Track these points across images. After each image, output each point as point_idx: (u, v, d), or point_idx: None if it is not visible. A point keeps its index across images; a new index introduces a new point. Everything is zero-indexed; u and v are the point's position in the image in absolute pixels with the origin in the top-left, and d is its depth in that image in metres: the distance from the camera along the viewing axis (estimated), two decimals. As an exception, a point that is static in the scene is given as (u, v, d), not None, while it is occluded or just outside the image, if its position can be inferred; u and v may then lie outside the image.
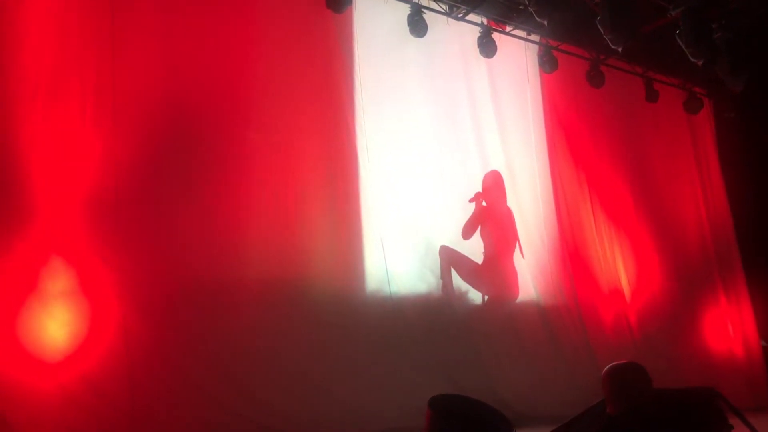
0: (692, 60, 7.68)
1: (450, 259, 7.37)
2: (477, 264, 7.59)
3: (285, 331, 6.01)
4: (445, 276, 7.29)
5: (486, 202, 7.76)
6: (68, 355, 5.04)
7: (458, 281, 7.42)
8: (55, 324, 5.05)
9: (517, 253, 7.89)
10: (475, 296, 7.58)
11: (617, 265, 8.91)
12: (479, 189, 7.80)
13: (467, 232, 7.60)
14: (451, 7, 7.97)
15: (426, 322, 6.89)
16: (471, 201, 7.64)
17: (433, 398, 2.61)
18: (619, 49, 7.45)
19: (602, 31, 7.19)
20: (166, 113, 5.83)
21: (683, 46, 7.49)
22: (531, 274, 7.95)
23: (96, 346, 5.15)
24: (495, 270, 7.64)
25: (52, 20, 5.46)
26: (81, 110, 5.47)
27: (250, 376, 5.71)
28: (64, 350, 5.04)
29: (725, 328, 9.76)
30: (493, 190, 7.84)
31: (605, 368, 3.42)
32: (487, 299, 7.62)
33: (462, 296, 7.42)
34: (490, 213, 7.74)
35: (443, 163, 7.67)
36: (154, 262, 5.54)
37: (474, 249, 7.62)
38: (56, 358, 4.99)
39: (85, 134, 5.46)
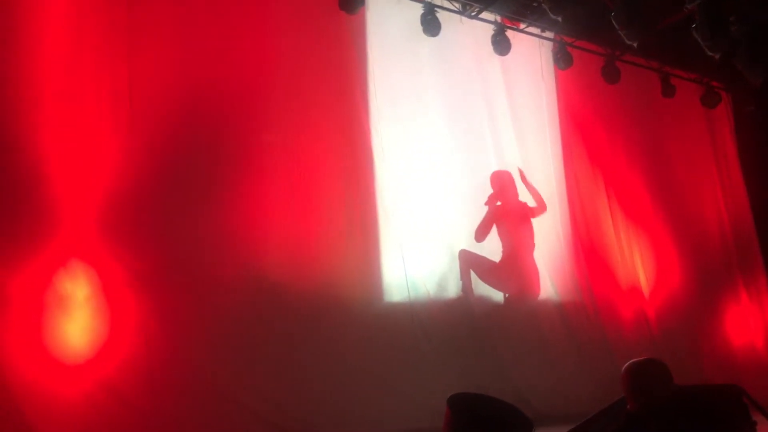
0: (709, 54, 7.60)
1: (469, 261, 7.34)
2: (495, 263, 7.56)
3: (305, 334, 6.03)
4: (465, 278, 7.26)
5: (501, 202, 7.71)
6: (89, 360, 5.08)
7: (478, 283, 7.39)
8: (77, 328, 5.10)
9: (537, 250, 7.84)
10: (496, 296, 7.55)
11: (635, 262, 8.83)
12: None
13: (481, 234, 7.53)
14: (464, 6, 7.95)
15: (445, 323, 6.87)
16: (486, 204, 7.58)
17: (452, 397, 2.59)
18: (635, 45, 7.40)
19: (617, 27, 7.14)
20: (182, 116, 5.86)
21: (700, 40, 7.40)
22: (549, 271, 7.90)
23: (117, 349, 5.19)
24: (515, 267, 7.60)
25: (68, 23, 5.51)
26: (98, 113, 5.52)
27: (271, 379, 5.73)
28: (85, 354, 5.08)
29: (746, 324, 9.64)
30: (505, 189, 7.78)
31: (625, 365, 3.39)
32: (508, 297, 7.59)
33: (482, 297, 7.39)
34: (506, 211, 7.70)
35: (458, 163, 7.64)
36: (173, 266, 5.57)
37: (493, 250, 7.59)
38: (78, 363, 5.04)
39: (102, 137, 5.51)
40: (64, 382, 4.91)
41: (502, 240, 7.65)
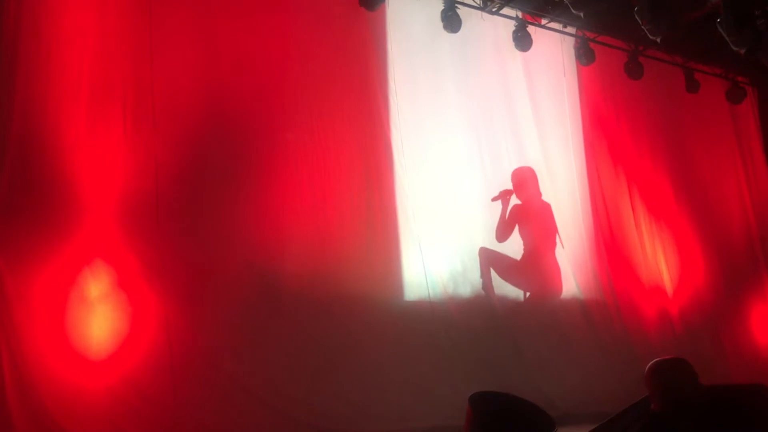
0: (734, 49, 7.49)
1: (489, 258, 7.28)
2: (516, 261, 7.50)
3: (324, 330, 6.03)
4: (485, 276, 7.21)
5: (520, 199, 7.64)
6: (112, 355, 5.13)
7: (499, 281, 7.34)
8: (99, 323, 5.15)
9: (558, 249, 7.77)
10: (516, 295, 7.51)
11: (659, 261, 8.74)
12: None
13: (502, 234, 7.41)
14: (485, 2, 7.89)
15: (466, 321, 6.85)
16: (494, 199, 7.44)
17: (474, 395, 2.59)
18: (658, 40, 7.31)
19: (640, 22, 7.06)
20: (204, 114, 5.90)
21: (725, 35, 7.29)
22: (571, 268, 7.84)
23: (138, 345, 5.23)
24: (536, 265, 7.53)
25: (91, 24, 5.56)
26: (121, 112, 5.56)
27: (291, 375, 5.74)
28: (108, 349, 5.13)
29: (773, 322, 9.52)
30: (526, 186, 7.69)
31: (650, 364, 3.35)
32: (529, 295, 7.53)
33: (503, 295, 7.34)
34: (528, 210, 7.63)
35: (480, 160, 7.60)
36: (194, 262, 5.60)
37: (514, 249, 7.53)
38: (100, 358, 5.09)
39: (125, 135, 5.55)
40: (87, 377, 4.96)
41: (523, 238, 7.58)
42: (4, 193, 4.90)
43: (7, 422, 4.50)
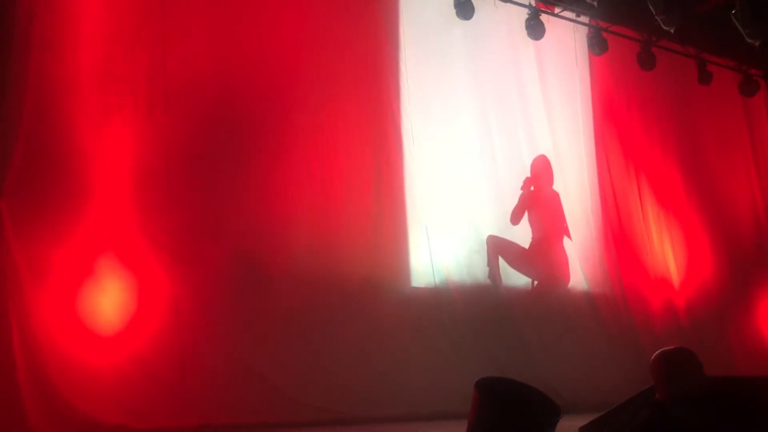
0: (748, 41, 7.44)
1: (497, 246, 7.32)
2: (525, 249, 7.53)
3: (331, 316, 6.08)
4: (492, 263, 7.24)
5: (534, 187, 7.66)
6: (122, 335, 5.20)
7: (506, 269, 7.36)
8: (109, 304, 5.22)
9: (566, 238, 7.78)
10: (523, 284, 7.53)
11: (666, 252, 8.74)
12: (526, 174, 7.71)
13: (516, 217, 7.54)
14: (498, -11, 7.86)
15: (472, 309, 6.87)
16: (522, 189, 7.54)
17: (480, 380, 2.61)
18: (672, 30, 7.26)
19: (654, 12, 7.03)
20: (215, 99, 5.92)
21: (739, 27, 7.26)
22: (578, 259, 7.85)
23: (149, 326, 5.30)
24: (544, 254, 7.57)
25: (105, 10, 5.59)
26: (134, 97, 5.62)
27: (299, 358, 5.79)
28: (118, 330, 5.20)
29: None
30: (542, 176, 7.73)
31: (655, 353, 3.35)
32: (537, 284, 7.55)
33: (510, 283, 7.36)
34: (538, 198, 7.65)
35: (490, 148, 7.60)
36: (204, 245, 5.64)
37: (522, 236, 7.56)
38: (110, 338, 5.15)
39: (137, 118, 5.60)
40: (97, 357, 5.03)
41: (531, 226, 7.61)
42: (18, 174, 4.95)
43: (16, 398, 4.56)
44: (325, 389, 5.76)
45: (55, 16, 5.34)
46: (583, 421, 3.66)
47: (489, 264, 7.24)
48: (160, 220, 5.51)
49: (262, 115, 6.18)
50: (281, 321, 5.79)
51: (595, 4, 7.15)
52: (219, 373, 5.40)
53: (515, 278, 7.48)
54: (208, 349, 5.43)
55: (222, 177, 5.88)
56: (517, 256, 7.42)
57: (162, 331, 5.31)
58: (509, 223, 7.51)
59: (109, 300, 5.22)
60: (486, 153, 7.57)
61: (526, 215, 7.60)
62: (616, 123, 8.71)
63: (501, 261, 7.35)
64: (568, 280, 7.66)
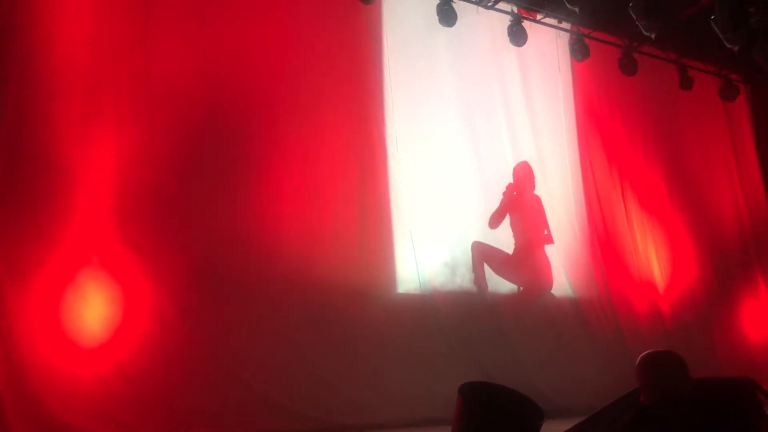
0: (728, 46, 7.52)
1: (481, 252, 7.33)
2: (509, 255, 7.55)
3: (317, 323, 6.05)
4: (477, 269, 7.25)
5: (516, 192, 7.70)
6: (105, 344, 5.15)
7: (491, 275, 7.38)
8: (92, 313, 5.17)
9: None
10: (508, 289, 7.54)
11: (650, 256, 8.79)
12: (510, 179, 7.74)
13: (495, 221, 7.52)
14: (480, -4, 7.91)
15: (458, 315, 6.88)
16: (504, 194, 7.56)
17: (463, 385, 2.61)
18: (653, 36, 7.33)
19: (635, 18, 7.09)
20: (198, 106, 5.91)
21: (719, 32, 7.33)
22: (563, 263, 7.88)
23: (132, 334, 5.25)
24: (528, 260, 7.58)
25: (85, 12, 5.57)
26: (116, 103, 5.59)
27: (284, 366, 5.76)
28: (101, 339, 5.15)
29: (765, 318, 9.57)
30: (524, 181, 7.77)
31: (640, 356, 3.37)
32: (522, 289, 7.57)
33: (495, 289, 7.38)
34: (520, 203, 7.68)
35: (473, 154, 7.61)
36: (188, 252, 5.62)
37: (506, 242, 7.57)
38: (94, 347, 5.11)
39: (120, 126, 5.57)
40: (81, 366, 4.98)
41: (514, 231, 7.64)
42: (-1, 182, 4.91)
43: (-1, 410, 4.51)
44: (311, 396, 5.73)
45: (34, 22, 5.29)
46: (569, 424, 3.67)
47: (474, 270, 7.25)
48: (144, 228, 5.47)
49: (246, 123, 6.17)
50: (267, 329, 5.76)
51: (577, 10, 7.20)
52: (205, 382, 5.36)
53: (501, 284, 7.49)
54: (194, 358, 5.38)
55: (206, 184, 5.85)
56: (502, 263, 7.44)
57: (146, 340, 5.27)
58: (488, 225, 7.51)
59: (92, 309, 5.17)
60: (470, 159, 7.59)
61: (507, 220, 7.62)
62: (599, 128, 8.77)
63: (486, 267, 7.36)
64: (551, 284, 7.69)
